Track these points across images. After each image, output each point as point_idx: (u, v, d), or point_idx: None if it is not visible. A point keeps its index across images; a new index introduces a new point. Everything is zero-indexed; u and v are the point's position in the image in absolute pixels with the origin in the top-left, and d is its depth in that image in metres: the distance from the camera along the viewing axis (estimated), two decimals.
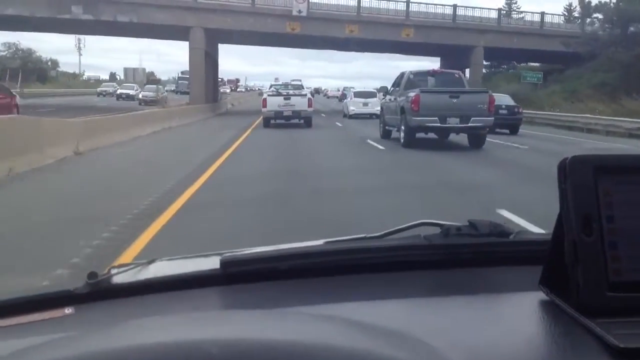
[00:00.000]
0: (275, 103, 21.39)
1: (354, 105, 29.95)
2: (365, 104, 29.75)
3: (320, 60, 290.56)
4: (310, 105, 21.70)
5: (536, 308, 0.86)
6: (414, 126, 13.98)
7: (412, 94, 14.05)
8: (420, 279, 1.08)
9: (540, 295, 0.87)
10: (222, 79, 75.11)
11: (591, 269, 0.78)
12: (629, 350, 0.70)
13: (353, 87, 61.43)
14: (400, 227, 1.15)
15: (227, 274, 1.05)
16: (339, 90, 75.17)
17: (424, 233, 1.13)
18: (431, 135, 14.98)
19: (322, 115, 30.00)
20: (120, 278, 1.05)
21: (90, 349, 0.64)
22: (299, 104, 21.39)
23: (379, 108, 30.48)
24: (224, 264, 1.05)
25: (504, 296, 0.97)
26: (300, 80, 27.52)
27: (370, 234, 1.17)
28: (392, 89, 16.92)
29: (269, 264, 1.09)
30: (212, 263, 1.08)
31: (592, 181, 0.80)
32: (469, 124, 13.80)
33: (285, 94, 22.21)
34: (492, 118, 14.25)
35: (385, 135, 17.20)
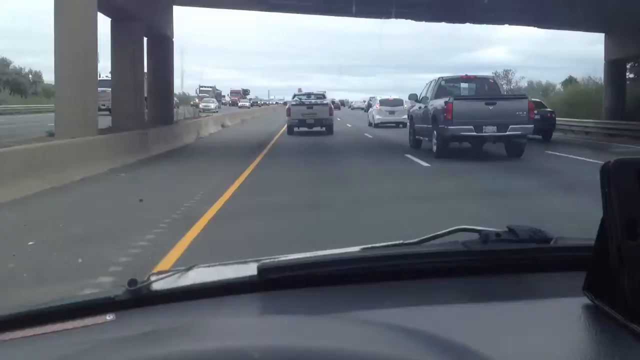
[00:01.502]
0: (298, 112, 23.18)
1: (380, 114, 29.17)
2: (392, 112, 28.95)
3: (343, 75, 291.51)
4: (331, 113, 23.47)
5: (581, 314, 0.85)
6: (448, 136, 13.16)
7: (444, 102, 13.25)
8: (459, 285, 1.06)
9: (585, 300, 0.86)
10: (207, 87, 71.91)
11: (637, 273, 0.77)
12: None
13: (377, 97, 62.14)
14: (438, 233, 1.12)
15: (265, 280, 1.05)
16: (364, 102, 74.57)
17: (463, 239, 1.10)
18: (465, 143, 14.15)
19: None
20: (160, 285, 1.06)
21: (133, 355, 0.66)
22: (321, 112, 23.08)
23: (405, 116, 29.96)
24: (262, 270, 1.05)
25: (548, 302, 0.95)
26: (325, 92, 27.02)
27: (408, 240, 1.15)
28: (422, 96, 16.13)
29: (307, 270, 1.08)
30: (250, 270, 1.08)
31: (637, 185, 0.79)
32: (507, 132, 12.92)
33: (307, 103, 23.74)
34: (532, 125, 13.35)
35: (416, 144, 16.40)
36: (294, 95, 26.83)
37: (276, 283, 1.06)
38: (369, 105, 62.70)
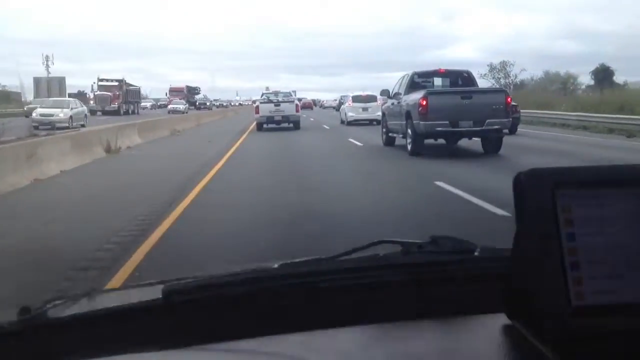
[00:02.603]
0: (267, 109, 24.51)
1: (353, 111, 28.36)
2: (365, 109, 28.21)
3: (315, 75, 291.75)
4: (297, 110, 24.94)
5: (498, 332, 0.83)
6: (423, 132, 12.53)
7: (418, 96, 12.61)
8: (378, 301, 1.01)
9: (503, 317, 0.83)
10: (110, 81, 48.64)
11: (551, 293, 0.73)
12: None
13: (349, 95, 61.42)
14: (359, 246, 1.10)
15: (169, 304, 0.98)
16: (335, 100, 73.94)
17: (384, 252, 1.08)
18: (440, 141, 13.55)
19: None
20: (55, 312, 1.00)
21: None
22: (288, 109, 24.43)
23: (379, 113, 29.42)
24: (166, 293, 0.99)
25: (466, 319, 0.93)
26: (294, 92, 28.90)
27: (328, 255, 1.10)
28: (394, 92, 15.49)
29: (214, 291, 1.02)
30: (154, 293, 1.01)
31: (550, 196, 0.75)
32: (484, 127, 12.34)
33: (275, 101, 25.01)
34: (510, 119, 12.82)
35: (388, 142, 15.76)
36: (262, 94, 27.32)
37: (182, 306, 0.99)
38: (340, 104, 62.81)
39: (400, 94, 14.60)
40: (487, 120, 12.27)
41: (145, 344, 0.90)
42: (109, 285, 3.91)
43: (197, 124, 30.98)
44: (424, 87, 14.15)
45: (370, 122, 27.98)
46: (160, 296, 0.98)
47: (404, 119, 13.53)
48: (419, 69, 14.73)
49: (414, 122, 12.71)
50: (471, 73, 14.70)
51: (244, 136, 21.11)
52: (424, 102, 12.31)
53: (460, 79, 14.40)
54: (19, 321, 0.94)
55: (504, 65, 55.41)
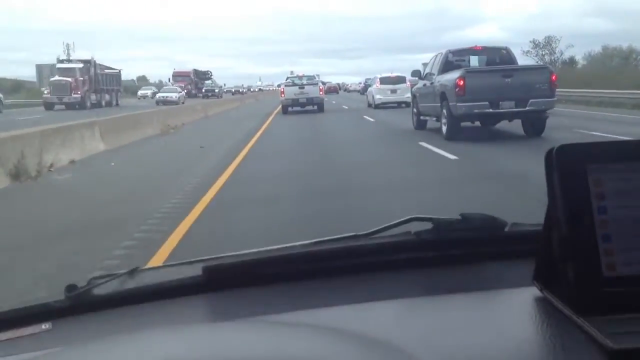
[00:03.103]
0: (291, 92, 25.35)
1: (380, 93, 27.35)
2: (394, 91, 27.18)
3: (337, 59, 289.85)
4: (321, 92, 25.99)
5: (530, 305, 0.83)
6: (460, 114, 11.61)
7: (455, 76, 11.68)
8: (411, 277, 1.05)
9: (535, 291, 0.84)
10: (74, 61, 39.19)
11: (583, 264, 0.74)
12: (623, 351, 0.66)
13: (372, 78, 59.71)
14: (391, 223, 1.09)
15: (210, 280, 1.02)
16: (359, 84, 72.53)
17: (415, 229, 1.08)
18: (476, 123, 12.64)
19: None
20: (100, 290, 1.03)
21: None
22: (312, 92, 25.36)
23: (409, 95, 28.39)
24: (206, 270, 1.02)
25: (498, 293, 0.93)
26: (318, 75, 29.46)
27: (360, 232, 1.11)
28: (426, 73, 14.56)
29: (252, 269, 1.06)
30: (194, 270, 1.05)
31: (582, 171, 0.76)
32: (527, 108, 11.37)
33: (299, 84, 25.79)
34: (555, 98, 11.80)
35: (420, 125, 14.87)
36: (287, 78, 27.75)
37: (221, 283, 1.03)
38: (366, 87, 61.43)
39: (433, 74, 13.68)
40: (531, 100, 11.29)
41: (184, 319, 0.95)
42: None
43: (204, 115, 26.03)
44: (458, 67, 13.20)
45: (398, 105, 27.10)
46: (200, 273, 1.02)
47: (438, 101, 12.64)
48: (446, 49, 13.74)
49: (450, 103, 11.81)
50: (510, 50, 13.66)
51: (256, 138, 14.48)
52: (462, 82, 11.39)
53: (498, 57, 13.35)
54: (66, 298, 0.98)
55: (548, 41, 50.79)
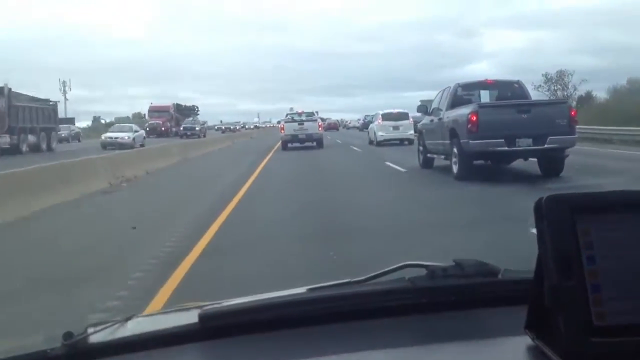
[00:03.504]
0: (291, 128, 25.56)
1: (383, 130, 26.52)
2: (396, 128, 26.38)
3: (334, 96, 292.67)
4: (320, 128, 26.11)
5: (522, 354, 0.84)
6: (472, 152, 10.71)
7: (466, 111, 10.83)
8: (405, 324, 1.05)
9: (527, 339, 0.85)
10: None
11: (573, 314, 0.75)
12: None
13: (372, 115, 59.11)
14: (385, 270, 1.11)
15: (206, 328, 1.02)
16: (358, 120, 72.05)
17: (409, 275, 1.09)
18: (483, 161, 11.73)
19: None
20: (97, 337, 1.03)
21: None
22: (311, 128, 25.51)
23: (412, 132, 27.64)
24: (203, 318, 1.03)
25: (491, 341, 0.95)
26: (316, 111, 29.29)
27: (355, 278, 1.12)
28: (433, 108, 13.73)
29: (248, 316, 1.06)
30: (191, 317, 1.05)
31: (570, 221, 0.77)
32: (546, 146, 10.47)
33: (299, 120, 26.26)
34: (575, 136, 10.91)
35: (427, 164, 13.99)
36: (287, 114, 28.38)
37: (218, 330, 1.03)
38: (365, 123, 60.82)
39: (441, 109, 12.86)
40: (550, 138, 10.39)
41: None
42: None
43: (183, 158, 20.06)
44: (468, 101, 12.38)
45: (400, 142, 26.31)
46: (197, 320, 1.02)
47: (448, 138, 11.77)
48: (454, 83, 12.92)
49: (462, 140, 10.92)
50: (523, 83, 12.86)
51: (236, 201, 9.13)
52: (474, 117, 10.52)
53: (510, 91, 12.54)
54: (62, 346, 0.98)
55: (560, 75, 46.50)
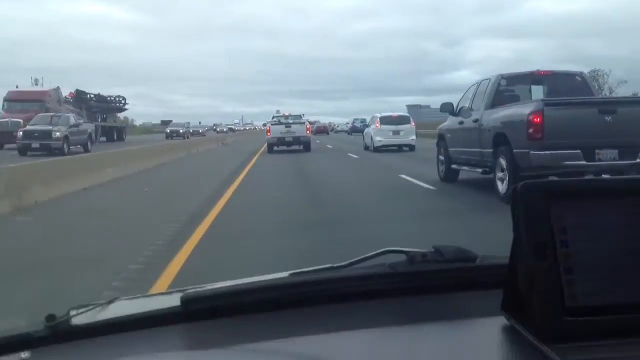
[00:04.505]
0: (278, 130, 24.29)
1: (381, 135, 23.52)
2: (396, 132, 23.39)
3: (319, 99, 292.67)
4: (308, 131, 25.12)
5: (498, 334, 0.87)
6: (534, 166, 7.72)
7: (525, 110, 7.87)
8: (385, 307, 1.07)
9: (503, 320, 0.88)
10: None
11: (546, 295, 0.78)
12: None
13: (364, 119, 56.12)
14: (366, 255, 1.13)
15: (189, 311, 1.04)
16: (347, 124, 69.25)
17: (390, 261, 1.11)
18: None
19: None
20: (80, 319, 1.04)
21: None
22: (299, 130, 24.39)
23: (413, 137, 24.79)
24: (185, 301, 1.04)
25: (468, 322, 0.97)
26: (302, 114, 27.55)
27: (336, 263, 1.13)
28: (460, 107, 10.80)
29: (231, 299, 1.08)
30: (174, 301, 1.06)
31: (544, 207, 0.80)
32: (639, 160, 7.53)
33: (285, 122, 24.95)
34: None
35: (450, 176, 11.07)
36: (273, 117, 26.92)
37: (199, 313, 1.04)
38: (353, 128, 58.20)
39: (471, 110, 9.97)
40: None
41: (162, 348, 0.95)
42: None
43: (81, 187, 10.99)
44: (515, 98, 9.47)
45: (399, 148, 23.43)
46: (179, 303, 1.03)
47: (490, 146, 8.85)
48: (496, 74, 9.93)
49: (515, 150, 7.99)
50: (587, 76, 9.95)
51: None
52: (538, 119, 7.57)
53: (569, 86, 9.59)
54: (45, 327, 0.98)
55: (594, 75, 40.98)
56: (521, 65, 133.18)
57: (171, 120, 71.84)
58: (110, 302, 1.10)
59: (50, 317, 0.98)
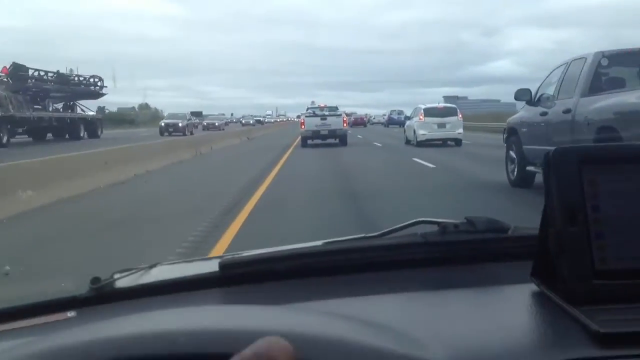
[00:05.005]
0: (312, 123, 23.12)
1: (425, 128, 21.45)
2: (442, 125, 21.27)
3: (353, 91, 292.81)
4: (345, 124, 23.67)
5: (527, 299, 0.87)
6: None
7: None
8: (417, 275, 1.09)
9: (532, 286, 0.88)
10: None
11: (576, 258, 0.79)
12: (610, 335, 0.70)
13: (401, 110, 53.72)
14: (399, 225, 1.14)
15: (226, 276, 1.07)
16: (383, 116, 66.94)
17: (422, 231, 1.11)
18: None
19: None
20: (123, 282, 1.08)
21: (88, 338, 0.68)
22: (335, 123, 23.10)
23: (460, 131, 22.45)
24: (223, 266, 1.06)
25: (497, 289, 0.98)
26: (337, 106, 26.08)
27: (370, 233, 1.16)
28: (540, 94, 8.81)
29: (267, 265, 1.10)
30: (212, 266, 1.09)
31: (576, 172, 0.80)
32: None
33: (321, 114, 23.63)
34: None
35: (523, 180, 9.11)
36: (308, 108, 25.93)
37: (238, 278, 1.07)
38: (390, 120, 56.11)
39: (564, 96, 7.97)
40: None
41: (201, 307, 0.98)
42: None
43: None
44: (619, 82, 7.46)
45: (443, 142, 21.42)
46: (217, 269, 1.06)
47: (589, 143, 6.82)
48: (593, 52, 7.90)
49: None
50: None
51: None
52: None
53: None
54: (90, 289, 1.03)
55: None
56: (562, 56, 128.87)
57: (201, 112, 67.08)
58: (151, 266, 1.16)
59: (95, 280, 1.04)
